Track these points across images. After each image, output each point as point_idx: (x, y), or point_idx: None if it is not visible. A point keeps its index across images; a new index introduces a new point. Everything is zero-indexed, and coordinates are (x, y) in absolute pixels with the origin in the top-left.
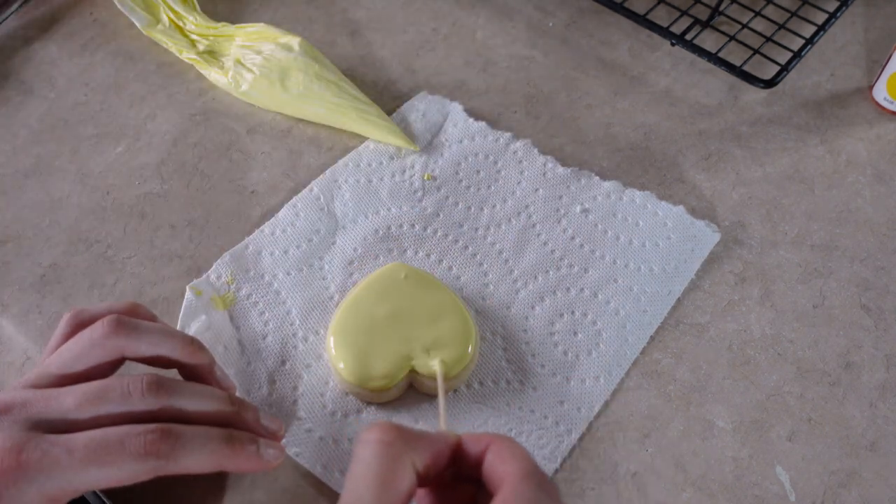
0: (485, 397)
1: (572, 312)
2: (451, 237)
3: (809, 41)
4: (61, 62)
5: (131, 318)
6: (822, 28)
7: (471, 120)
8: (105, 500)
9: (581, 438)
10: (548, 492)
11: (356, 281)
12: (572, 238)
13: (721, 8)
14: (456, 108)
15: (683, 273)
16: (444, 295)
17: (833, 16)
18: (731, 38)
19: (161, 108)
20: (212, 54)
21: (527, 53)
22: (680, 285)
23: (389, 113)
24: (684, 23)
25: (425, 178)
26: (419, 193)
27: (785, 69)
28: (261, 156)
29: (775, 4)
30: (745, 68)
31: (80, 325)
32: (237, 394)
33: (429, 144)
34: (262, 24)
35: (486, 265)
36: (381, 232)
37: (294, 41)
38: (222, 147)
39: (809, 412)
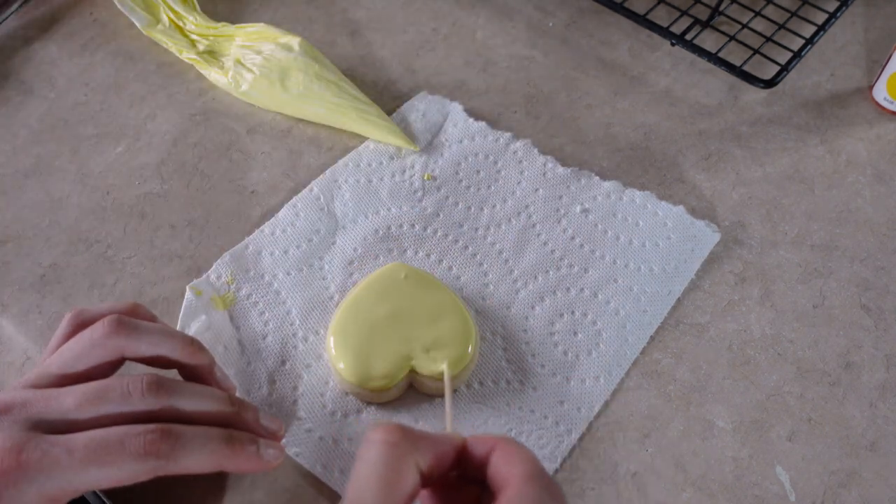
0: (485, 397)
1: (572, 312)
2: (451, 237)
3: (809, 41)
4: (61, 62)
5: (132, 318)
6: (822, 28)
7: (471, 120)
8: (105, 500)
9: (581, 438)
10: (552, 494)
11: (356, 281)
12: (572, 238)
13: (721, 8)
14: (456, 108)
15: (683, 273)
16: (444, 295)
17: (833, 16)
18: (731, 38)
19: (161, 108)
20: (212, 54)
21: (527, 53)
22: (680, 285)
23: (389, 113)
24: (684, 23)
25: (425, 178)
26: (419, 193)
27: (785, 69)
28: (261, 156)
29: (775, 4)
30: (745, 68)
31: (80, 325)
32: (237, 394)
33: (429, 144)
34: (262, 24)
35: (486, 265)
36: (381, 232)
37: (294, 41)
38: (222, 147)
39: (809, 412)
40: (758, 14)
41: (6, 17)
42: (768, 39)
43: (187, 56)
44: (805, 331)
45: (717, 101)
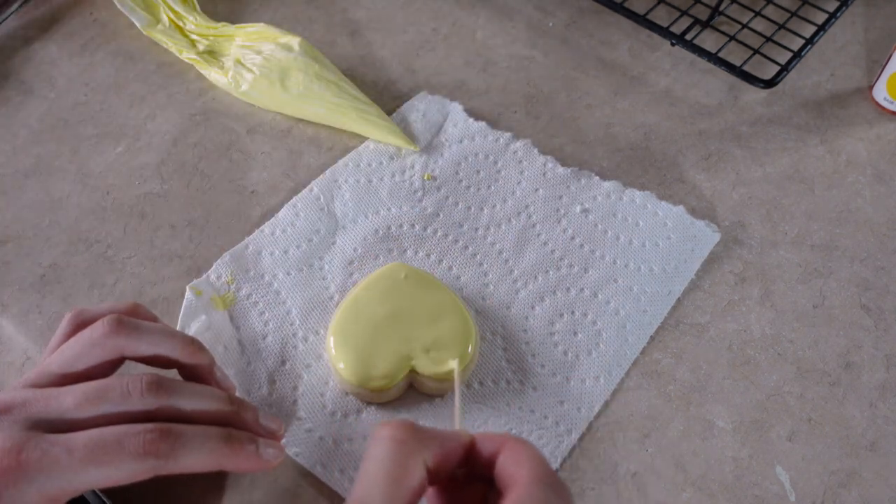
0: (485, 397)
1: (572, 312)
2: (451, 237)
3: (809, 41)
4: (61, 62)
5: (132, 318)
6: (822, 28)
7: (471, 120)
8: (105, 500)
9: (581, 438)
10: (560, 495)
11: (356, 281)
12: (572, 238)
13: (721, 8)
14: (456, 108)
15: (683, 273)
16: (444, 295)
17: (833, 16)
18: (731, 38)
19: (161, 108)
20: (212, 54)
21: (527, 53)
22: (680, 285)
23: (389, 113)
24: (684, 23)
25: (425, 178)
26: (419, 193)
27: (785, 69)
28: (261, 156)
29: (775, 4)
30: (745, 68)
31: (81, 325)
32: (237, 394)
33: (429, 144)
34: (262, 24)
35: (486, 265)
36: (381, 232)
37: (294, 41)
38: (222, 147)
39: (809, 412)
40: (758, 14)
41: (6, 17)
42: (768, 39)
43: (187, 56)
44: (805, 331)
45: (717, 101)
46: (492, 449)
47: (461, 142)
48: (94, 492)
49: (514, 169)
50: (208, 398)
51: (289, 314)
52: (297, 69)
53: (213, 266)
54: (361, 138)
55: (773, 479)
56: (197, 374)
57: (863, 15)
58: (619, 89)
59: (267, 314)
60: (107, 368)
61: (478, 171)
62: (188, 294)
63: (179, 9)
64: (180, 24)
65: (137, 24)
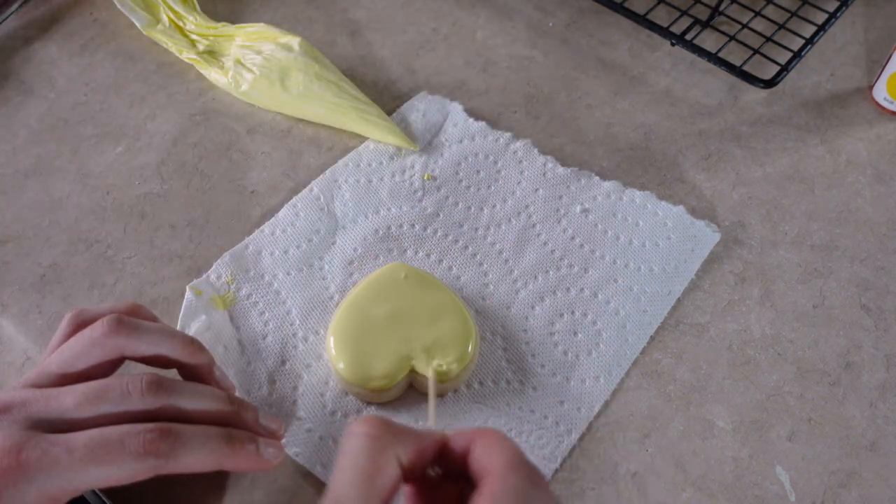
0: (485, 397)
1: (572, 312)
2: (451, 237)
3: (809, 41)
4: (61, 62)
5: (132, 318)
6: (822, 28)
7: (471, 120)
8: (105, 499)
9: (581, 438)
10: (534, 482)
11: (356, 281)
12: (572, 238)
13: (721, 8)
14: (456, 108)
15: (683, 273)
16: (444, 295)
17: (833, 16)
18: (731, 38)
19: (161, 108)
20: (212, 54)
21: (527, 53)
22: (680, 285)
23: (389, 113)
24: (684, 23)
25: (425, 178)
26: (419, 193)
27: (785, 69)
28: (261, 156)
29: (775, 4)
30: (745, 68)
31: (81, 324)
32: (237, 394)
33: (429, 144)
34: (262, 24)
35: (486, 265)
36: (381, 232)
37: (294, 41)
38: (222, 147)
39: (809, 412)
40: (758, 14)
41: (6, 17)
42: (768, 39)
43: (187, 56)
44: (805, 331)
45: (717, 101)
46: (464, 444)
47: (461, 142)
48: (94, 492)
49: (514, 169)
50: (208, 398)
51: (289, 314)
52: (297, 69)
53: (213, 266)
54: (361, 138)
55: (773, 479)
56: (197, 374)
57: (863, 15)
58: (619, 89)
59: (267, 314)
60: (107, 368)
61: (478, 171)
62: (188, 294)
63: (179, 9)
64: (180, 24)
65: (137, 24)
